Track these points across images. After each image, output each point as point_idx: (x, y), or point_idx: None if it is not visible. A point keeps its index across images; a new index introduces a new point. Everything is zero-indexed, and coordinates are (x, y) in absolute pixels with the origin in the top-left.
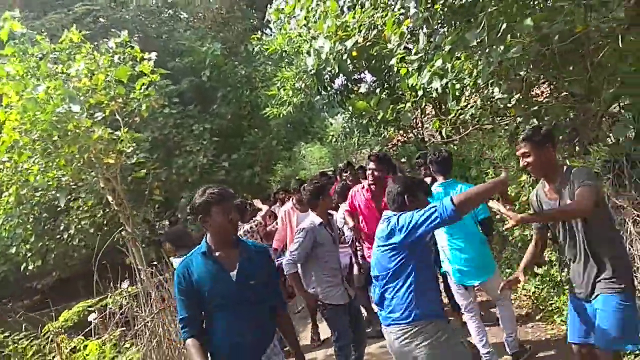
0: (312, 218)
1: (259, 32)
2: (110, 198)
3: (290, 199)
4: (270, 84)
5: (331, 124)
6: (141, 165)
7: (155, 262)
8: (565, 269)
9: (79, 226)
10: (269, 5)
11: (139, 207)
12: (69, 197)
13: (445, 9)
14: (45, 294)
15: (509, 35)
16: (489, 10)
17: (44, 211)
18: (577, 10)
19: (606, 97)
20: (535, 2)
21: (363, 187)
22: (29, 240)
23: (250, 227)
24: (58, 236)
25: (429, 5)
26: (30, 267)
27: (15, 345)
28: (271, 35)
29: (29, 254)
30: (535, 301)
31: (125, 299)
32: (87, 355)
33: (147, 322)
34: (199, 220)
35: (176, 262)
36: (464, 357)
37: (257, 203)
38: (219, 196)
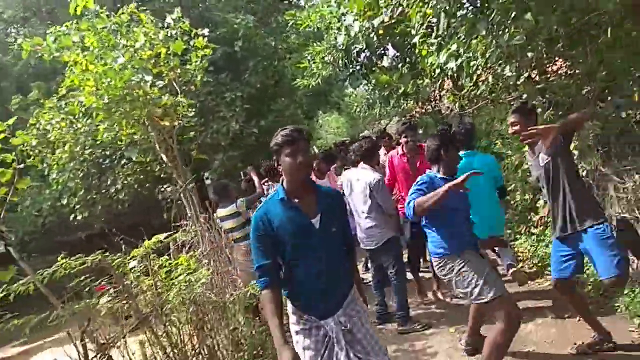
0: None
1: (288, 2)
2: (164, 156)
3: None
4: (298, 56)
5: (352, 94)
6: (187, 129)
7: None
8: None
9: (125, 182)
10: None
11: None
12: (115, 155)
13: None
14: (89, 245)
15: (512, 26)
16: (499, 1)
17: (92, 167)
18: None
19: (599, 79)
20: None
21: (399, 154)
22: (77, 193)
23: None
24: (104, 190)
25: None
26: (78, 218)
27: (115, 260)
28: (301, 7)
29: (77, 206)
30: (531, 258)
31: (189, 234)
32: (179, 264)
33: (205, 254)
34: (275, 163)
35: (220, 211)
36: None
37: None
38: (288, 137)
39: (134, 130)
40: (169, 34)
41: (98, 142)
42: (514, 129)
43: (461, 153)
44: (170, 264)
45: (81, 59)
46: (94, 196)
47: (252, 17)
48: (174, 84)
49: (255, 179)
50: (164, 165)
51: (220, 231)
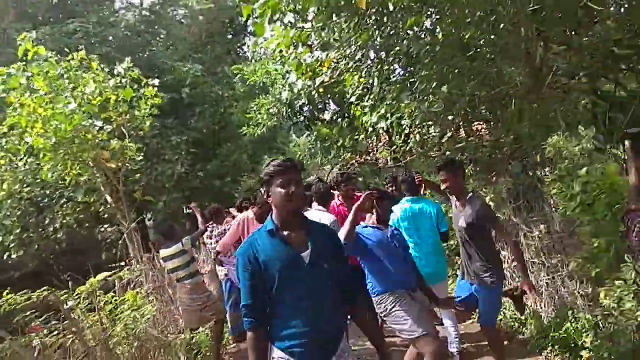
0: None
1: (234, 54)
2: (108, 197)
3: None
4: (244, 104)
5: (295, 141)
6: (133, 171)
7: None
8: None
9: (64, 221)
10: (245, 31)
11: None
12: (55, 195)
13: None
14: (21, 284)
15: (431, 96)
16: (421, 74)
17: (30, 205)
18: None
19: (509, 143)
20: (454, 70)
21: (337, 204)
22: (13, 232)
23: (224, 230)
24: (41, 229)
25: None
26: (13, 256)
27: (64, 296)
28: (247, 59)
29: (12, 245)
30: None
31: (133, 273)
32: (125, 300)
33: (150, 292)
34: (263, 194)
35: (165, 251)
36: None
37: (233, 211)
38: (280, 167)
39: (80, 171)
40: (119, 82)
41: (38, 181)
42: (445, 184)
43: (406, 199)
44: (115, 300)
45: (28, 101)
46: (31, 235)
47: (199, 67)
48: (122, 128)
49: (198, 215)
50: (108, 206)
51: (163, 271)
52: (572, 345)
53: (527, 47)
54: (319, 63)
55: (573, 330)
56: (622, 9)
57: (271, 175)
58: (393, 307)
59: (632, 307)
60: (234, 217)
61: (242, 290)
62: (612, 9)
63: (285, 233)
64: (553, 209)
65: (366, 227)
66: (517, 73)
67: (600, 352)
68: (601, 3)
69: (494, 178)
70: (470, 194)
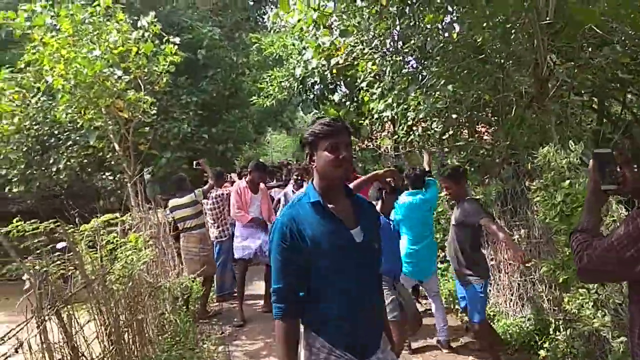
0: None
1: (253, 22)
2: (116, 145)
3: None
4: (256, 73)
5: (301, 118)
6: (143, 124)
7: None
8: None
9: (68, 163)
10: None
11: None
12: (62, 136)
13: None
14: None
15: (436, 93)
16: (431, 69)
17: (37, 143)
18: (490, 80)
19: (504, 147)
20: (464, 70)
21: None
22: (17, 166)
23: (222, 194)
24: (44, 168)
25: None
26: (14, 190)
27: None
28: (265, 28)
29: (15, 179)
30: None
31: (135, 219)
32: (128, 242)
33: (150, 237)
34: (307, 158)
35: (176, 201)
36: None
37: (234, 176)
38: (330, 127)
39: (94, 116)
40: (141, 35)
41: (47, 120)
42: (448, 191)
43: (407, 192)
44: (117, 241)
45: (52, 41)
46: (34, 172)
47: (218, 30)
48: (139, 81)
49: (209, 171)
50: (115, 154)
51: (159, 224)
52: (532, 344)
53: (537, 57)
54: (335, 47)
55: (535, 330)
56: (630, 34)
57: (318, 136)
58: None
59: (590, 314)
60: (232, 183)
61: (276, 271)
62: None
63: (331, 206)
64: (535, 215)
65: None
66: (523, 81)
67: (557, 353)
68: (610, 28)
69: (487, 180)
70: (465, 198)
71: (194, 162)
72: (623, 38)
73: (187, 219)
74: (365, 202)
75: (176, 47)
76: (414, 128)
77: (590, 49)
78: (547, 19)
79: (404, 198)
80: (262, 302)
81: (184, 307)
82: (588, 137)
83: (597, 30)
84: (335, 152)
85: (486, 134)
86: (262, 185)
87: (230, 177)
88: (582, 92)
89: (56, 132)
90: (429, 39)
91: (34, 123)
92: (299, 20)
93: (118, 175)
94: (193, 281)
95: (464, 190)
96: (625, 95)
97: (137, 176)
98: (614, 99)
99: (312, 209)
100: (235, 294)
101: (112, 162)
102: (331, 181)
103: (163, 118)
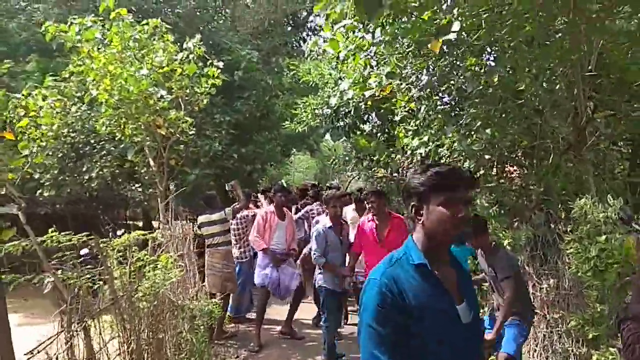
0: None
1: (290, 47)
2: (151, 161)
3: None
4: (289, 97)
5: (327, 141)
6: (179, 142)
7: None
8: None
9: (100, 172)
10: (304, 26)
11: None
12: (97, 146)
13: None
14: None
15: (475, 135)
16: (469, 112)
17: (72, 151)
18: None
19: (537, 193)
20: (502, 116)
21: (369, 219)
22: (50, 171)
23: (247, 215)
24: (76, 175)
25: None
26: (45, 194)
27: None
28: (302, 53)
29: (47, 183)
30: None
31: (165, 237)
32: (158, 261)
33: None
34: (409, 209)
35: (207, 217)
36: None
37: (260, 197)
38: (446, 178)
39: (135, 132)
40: (185, 56)
41: (85, 129)
42: (473, 243)
43: (452, 247)
44: (147, 258)
45: (100, 57)
46: (66, 178)
47: (256, 53)
48: (180, 100)
49: (240, 192)
50: (150, 169)
51: (185, 240)
52: None
53: (576, 106)
54: (381, 87)
55: None
56: None
57: (432, 188)
58: None
59: None
60: (256, 203)
61: (369, 338)
62: None
63: (436, 272)
64: (566, 266)
65: None
66: (561, 128)
67: None
68: None
69: (516, 224)
70: (493, 245)
71: (227, 184)
72: None
73: (215, 236)
74: (465, 269)
75: (219, 70)
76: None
77: (630, 102)
78: (590, 68)
79: None
80: (278, 327)
81: (202, 327)
82: (619, 187)
83: None
84: (453, 208)
85: (515, 174)
86: (288, 211)
87: (257, 197)
88: (620, 142)
89: (92, 141)
90: (468, 81)
91: (71, 131)
92: (338, 51)
93: (150, 189)
94: (215, 304)
95: (488, 240)
96: None
97: (170, 192)
98: None
99: (415, 273)
100: (250, 318)
101: (146, 177)
102: (442, 243)
103: (196, 135)
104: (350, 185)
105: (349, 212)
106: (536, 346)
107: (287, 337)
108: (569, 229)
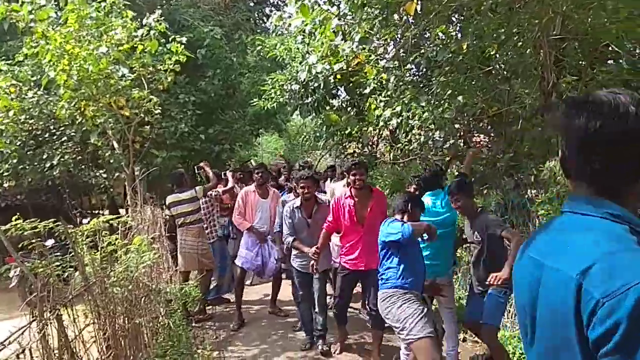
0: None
1: (254, 23)
2: (116, 144)
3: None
4: (254, 75)
5: (294, 120)
6: (143, 123)
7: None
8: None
9: (62, 159)
10: (267, 1)
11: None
12: (57, 132)
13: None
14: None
15: (446, 102)
16: (439, 80)
17: (30, 138)
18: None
19: (505, 159)
20: (472, 83)
21: (346, 195)
22: (9, 161)
23: (212, 194)
24: (36, 163)
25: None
26: (5, 185)
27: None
28: (266, 30)
29: (6, 174)
30: None
31: (135, 220)
32: (131, 244)
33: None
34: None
35: (176, 196)
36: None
37: (229, 175)
38: None
39: (97, 114)
40: (146, 32)
41: (43, 115)
42: (457, 204)
43: (428, 193)
44: (119, 243)
45: (56, 36)
46: (26, 167)
47: (220, 30)
48: (143, 79)
49: (210, 172)
50: (115, 152)
51: (156, 221)
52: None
53: (542, 71)
54: (354, 54)
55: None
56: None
57: None
58: (403, 304)
59: None
60: (226, 182)
61: None
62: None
63: None
64: (536, 228)
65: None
66: (528, 94)
67: None
68: (619, 45)
69: (486, 191)
70: (480, 210)
71: (196, 166)
72: (629, 55)
73: (186, 215)
74: None
75: (182, 46)
76: (416, 137)
77: (594, 65)
78: (554, 32)
79: (427, 200)
80: (256, 307)
81: (179, 310)
82: None
83: (614, 47)
84: None
85: (484, 143)
86: (271, 189)
87: (225, 175)
88: None
89: (51, 127)
90: (436, 50)
91: (28, 117)
92: (304, 24)
93: (115, 174)
94: (191, 286)
95: (473, 204)
96: None
97: (138, 174)
98: None
99: None
100: (227, 298)
101: (110, 160)
102: None
103: (161, 116)
104: (321, 163)
105: (339, 188)
106: (510, 306)
107: (277, 314)
108: (538, 193)
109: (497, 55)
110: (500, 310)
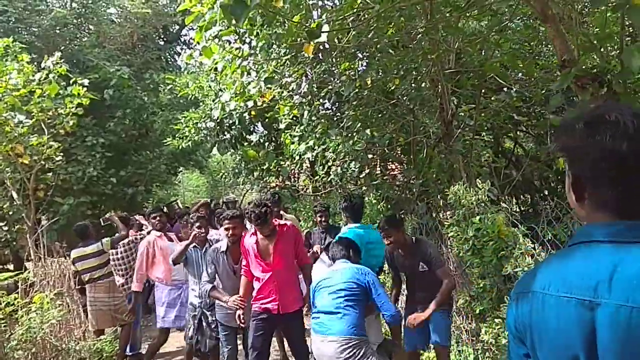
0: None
1: (164, 62)
2: (14, 194)
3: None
4: (168, 114)
5: (216, 156)
6: (44, 170)
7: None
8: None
9: None
10: (178, 40)
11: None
12: None
13: (323, 104)
14: None
15: (356, 136)
16: (349, 114)
17: None
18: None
19: (417, 185)
20: (379, 116)
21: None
22: None
23: (131, 240)
24: None
25: (312, 97)
26: None
27: None
28: (177, 68)
29: None
30: None
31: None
32: (32, 303)
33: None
34: None
35: (80, 250)
36: None
37: (140, 219)
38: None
39: None
40: (45, 76)
41: None
42: (389, 239)
43: (353, 226)
44: (18, 302)
45: None
46: None
47: (127, 69)
48: (42, 124)
49: (119, 223)
50: (13, 203)
51: (62, 276)
52: None
53: (442, 102)
54: (261, 93)
55: None
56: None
57: None
58: (371, 356)
59: (507, 343)
60: (141, 227)
61: None
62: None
63: None
64: (449, 249)
65: None
66: (431, 123)
67: None
68: (506, 77)
69: (402, 216)
70: (415, 239)
71: (101, 219)
72: (517, 85)
73: (92, 270)
74: None
75: (85, 88)
76: (333, 168)
77: (488, 95)
78: (449, 66)
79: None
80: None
81: None
82: (486, 172)
83: (498, 79)
84: None
85: (398, 171)
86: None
87: (136, 219)
88: (482, 132)
89: None
90: (344, 85)
91: None
92: (215, 62)
93: (16, 226)
94: (105, 342)
95: (404, 237)
96: (517, 132)
97: (39, 226)
98: (506, 136)
99: None
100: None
101: (10, 212)
102: None
103: (66, 161)
104: (246, 197)
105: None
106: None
107: None
108: (447, 215)
109: (400, 89)
110: (449, 330)
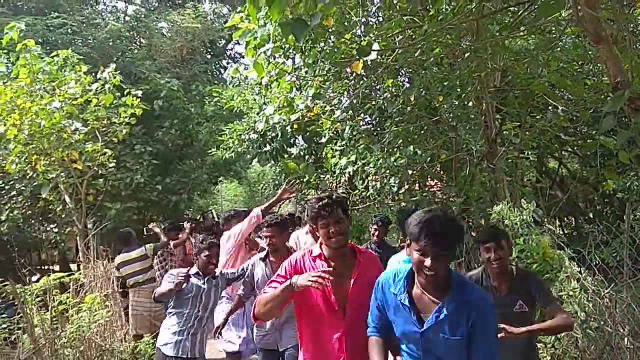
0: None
1: (211, 75)
2: (67, 198)
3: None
4: (212, 125)
5: (254, 167)
6: (97, 176)
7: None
8: None
9: (11, 214)
10: (224, 54)
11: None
12: (7, 186)
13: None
14: None
15: (398, 151)
16: (391, 129)
17: None
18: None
19: (458, 203)
20: (421, 132)
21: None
22: None
23: (165, 250)
24: None
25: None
26: None
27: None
28: (223, 81)
29: None
30: None
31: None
32: (83, 303)
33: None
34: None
35: (125, 256)
36: None
37: (187, 227)
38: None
39: (49, 168)
40: (101, 86)
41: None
42: (497, 254)
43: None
44: (70, 301)
45: (6, 90)
46: None
47: (176, 81)
48: (97, 132)
49: (162, 234)
50: (66, 206)
51: (112, 278)
52: None
53: (486, 120)
54: (308, 108)
55: None
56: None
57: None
58: None
59: None
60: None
61: None
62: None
63: None
64: None
65: None
66: (474, 141)
67: None
68: (554, 96)
69: None
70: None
71: (145, 229)
72: (565, 104)
73: (136, 275)
74: None
75: (138, 99)
76: (372, 183)
77: (534, 113)
78: (495, 84)
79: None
80: None
81: None
82: (530, 192)
83: (546, 97)
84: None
85: (437, 188)
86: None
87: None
88: (527, 151)
89: (0, 181)
90: (387, 102)
91: None
92: (261, 77)
93: (66, 229)
94: (146, 344)
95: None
96: (561, 152)
97: (90, 229)
98: (551, 156)
99: None
100: None
101: (62, 215)
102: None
103: (116, 168)
104: (282, 209)
105: (302, 236)
106: None
107: None
108: None
109: (444, 106)
110: None
